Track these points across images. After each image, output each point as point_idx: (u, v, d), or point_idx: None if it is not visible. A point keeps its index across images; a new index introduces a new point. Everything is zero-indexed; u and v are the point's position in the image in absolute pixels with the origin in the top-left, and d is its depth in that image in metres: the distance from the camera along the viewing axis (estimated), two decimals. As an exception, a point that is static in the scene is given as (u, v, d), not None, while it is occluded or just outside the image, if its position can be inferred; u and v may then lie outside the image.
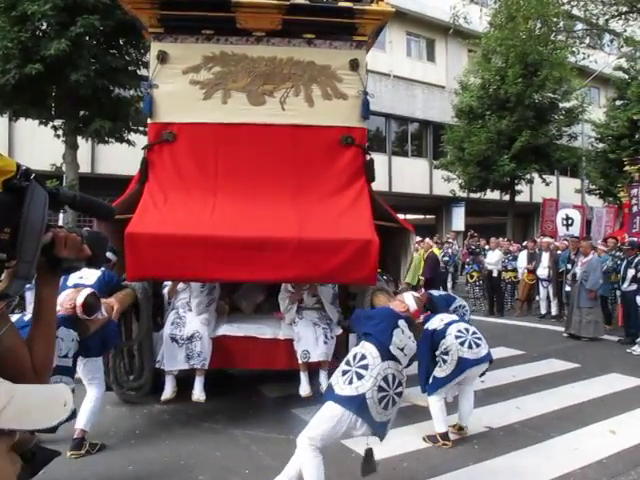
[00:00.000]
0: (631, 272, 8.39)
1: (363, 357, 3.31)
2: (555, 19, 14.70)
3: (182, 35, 5.05)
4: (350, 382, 3.23)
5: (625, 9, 14.46)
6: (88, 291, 3.82)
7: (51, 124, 11.14)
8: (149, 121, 5.11)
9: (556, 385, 6.02)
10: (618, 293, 9.25)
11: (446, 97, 20.93)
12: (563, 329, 9.38)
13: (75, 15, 9.24)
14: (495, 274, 11.71)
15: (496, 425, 4.79)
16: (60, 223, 8.37)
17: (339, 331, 5.17)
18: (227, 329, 5.10)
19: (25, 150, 14.26)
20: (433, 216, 23.91)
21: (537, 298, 11.60)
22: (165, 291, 5.23)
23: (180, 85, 5.01)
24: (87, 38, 9.67)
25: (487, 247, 12.75)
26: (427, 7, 22.06)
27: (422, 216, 24.04)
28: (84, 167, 12.60)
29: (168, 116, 5.03)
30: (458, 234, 19.93)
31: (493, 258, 11.87)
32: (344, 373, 3.32)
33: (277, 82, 5.10)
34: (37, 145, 13.32)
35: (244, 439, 4.41)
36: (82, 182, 10.89)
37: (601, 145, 19.57)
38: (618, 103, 19.67)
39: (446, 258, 13.95)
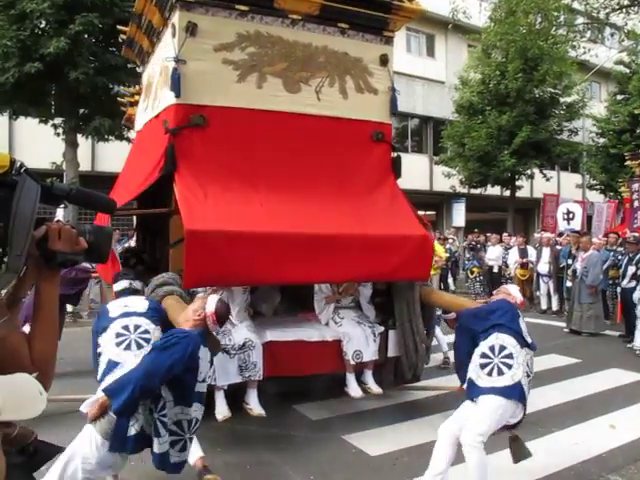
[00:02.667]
0: (631, 269, 8.36)
1: (503, 348, 3.36)
2: (555, 13, 14.65)
3: (214, 8, 4.54)
4: (500, 373, 3.29)
5: (626, 2, 14.40)
6: (217, 297, 3.28)
7: (51, 122, 11.16)
8: (175, 102, 4.47)
9: (557, 380, 6.03)
10: (618, 289, 9.22)
11: (446, 93, 20.87)
12: (564, 324, 9.38)
13: (74, 13, 9.25)
14: (496, 270, 11.72)
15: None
16: (60, 219, 8.36)
17: (381, 329, 5.00)
18: (274, 334, 4.61)
19: (25, 149, 14.24)
20: (434, 212, 23.87)
21: (538, 294, 11.59)
22: (199, 297, 4.66)
23: (212, 63, 4.52)
24: (86, 36, 9.68)
25: (488, 243, 12.76)
26: (427, 2, 21.98)
27: (422, 212, 23.92)
28: (84, 165, 12.61)
29: (198, 97, 4.49)
30: (459, 230, 19.92)
31: (494, 253, 11.86)
32: (484, 366, 3.36)
33: (313, 70, 4.84)
34: (37, 144, 13.31)
35: (245, 435, 4.42)
36: (82, 180, 10.90)
37: (602, 140, 19.50)
38: (619, 97, 19.62)
39: (447, 254, 13.95)
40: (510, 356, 3.32)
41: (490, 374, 3.31)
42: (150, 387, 2.78)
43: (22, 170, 1.16)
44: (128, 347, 3.47)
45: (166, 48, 4.81)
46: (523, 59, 15.64)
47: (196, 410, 2.96)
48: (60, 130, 11.21)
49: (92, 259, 1.43)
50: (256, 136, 4.62)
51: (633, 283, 8.32)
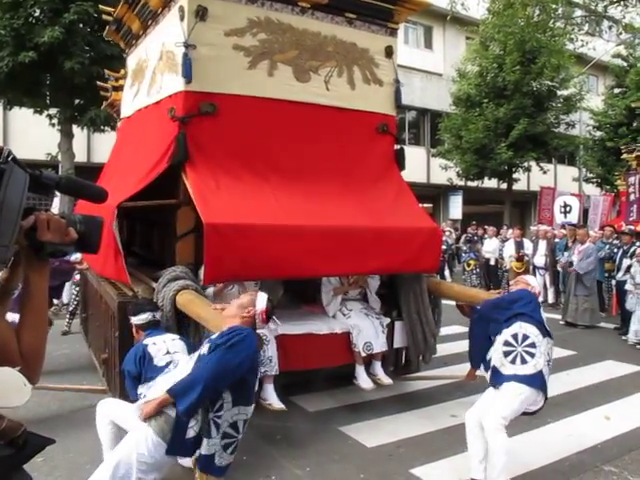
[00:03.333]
0: (626, 262, 8.39)
1: (526, 337, 3.42)
2: (554, 5, 14.56)
3: None
4: (523, 362, 3.36)
5: (624, -5, 14.32)
6: (265, 294, 3.14)
7: (46, 113, 11.06)
8: (184, 89, 4.26)
9: (552, 372, 6.02)
10: (613, 282, 9.26)
11: (444, 85, 20.81)
12: (560, 317, 9.42)
13: (68, 2, 9.15)
14: (492, 262, 11.73)
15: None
16: (56, 211, 8.30)
17: (388, 320, 5.00)
18: (285, 328, 4.51)
19: (20, 139, 14.14)
20: (430, 204, 23.87)
21: (534, 286, 11.62)
22: (210, 291, 4.40)
23: (222, 49, 4.35)
24: (81, 25, 9.56)
25: (485, 236, 12.79)
26: (425, -6, 21.84)
27: (419, 204, 23.99)
28: (80, 156, 12.52)
29: (208, 84, 4.31)
30: (455, 222, 19.94)
31: (490, 246, 11.88)
32: (507, 354, 3.42)
33: (322, 59, 4.78)
34: (32, 134, 13.21)
35: (242, 426, 4.42)
36: (78, 171, 10.81)
37: (599, 133, 19.53)
38: (616, 91, 19.63)
39: (444, 247, 13.97)
40: (533, 345, 3.38)
41: (514, 362, 3.37)
42: (219, 388, 2.67)
43: (9, 158, 1.13)
44: None
45: (167, 31, 4.68)
46: (521, 52, 15.61)
47: (252, 409, 2.91)
48: (55, 120, 11.11)
49: (83, 249, 1.41)
50: (266, 125, 4.53)
51: (627, 276, 8.36)
